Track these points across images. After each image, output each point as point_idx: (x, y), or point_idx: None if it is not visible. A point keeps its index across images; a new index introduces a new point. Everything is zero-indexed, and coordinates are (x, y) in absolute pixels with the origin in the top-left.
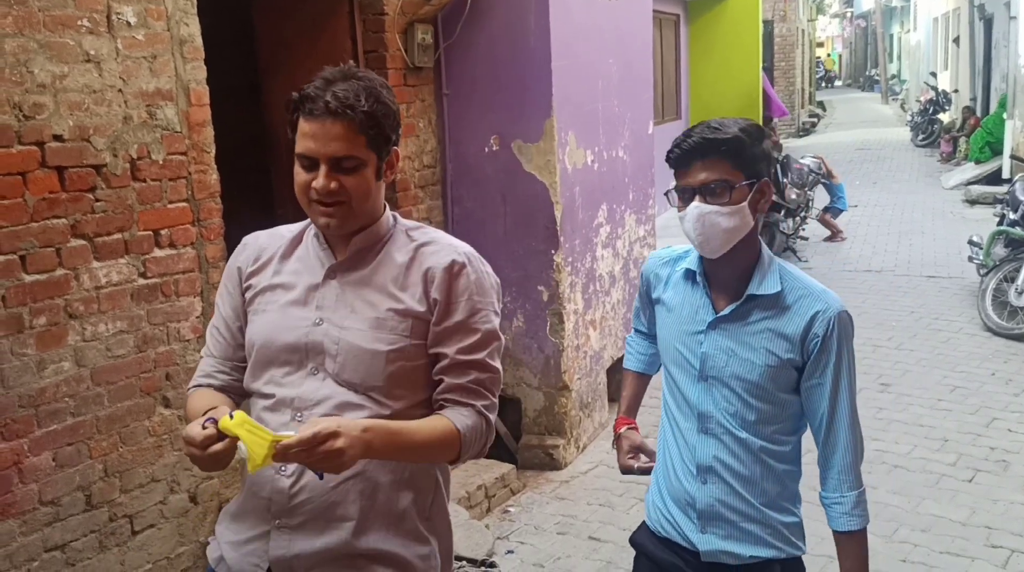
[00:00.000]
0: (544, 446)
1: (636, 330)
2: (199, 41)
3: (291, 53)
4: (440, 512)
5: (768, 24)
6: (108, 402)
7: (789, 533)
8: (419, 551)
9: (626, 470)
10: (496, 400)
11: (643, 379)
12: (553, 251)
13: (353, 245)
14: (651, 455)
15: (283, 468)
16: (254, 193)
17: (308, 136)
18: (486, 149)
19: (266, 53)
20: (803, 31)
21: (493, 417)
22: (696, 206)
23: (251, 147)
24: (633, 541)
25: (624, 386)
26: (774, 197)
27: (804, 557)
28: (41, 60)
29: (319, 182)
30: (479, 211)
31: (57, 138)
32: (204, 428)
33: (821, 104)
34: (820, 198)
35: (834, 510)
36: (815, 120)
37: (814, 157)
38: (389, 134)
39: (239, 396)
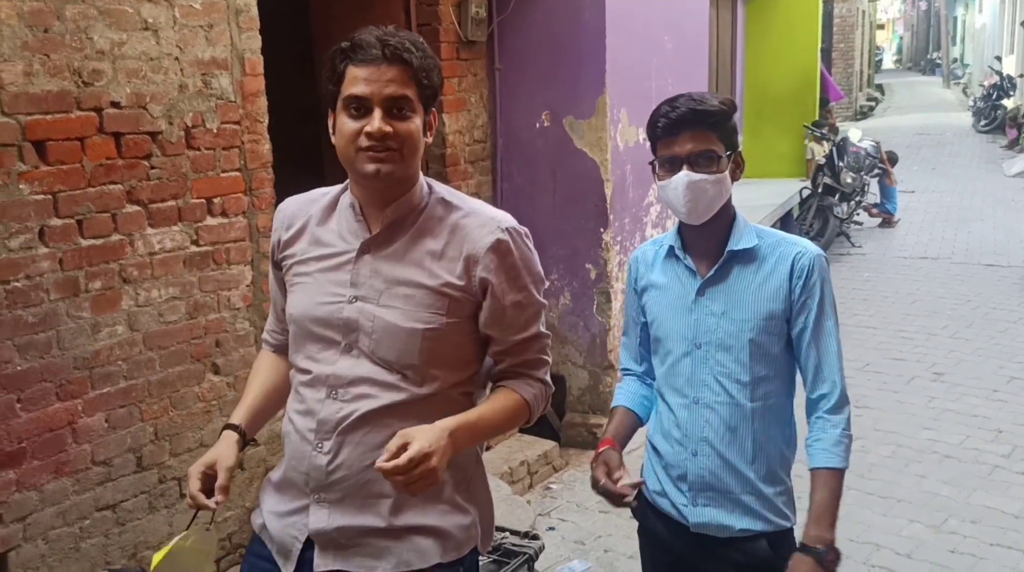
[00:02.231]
0: (588, 425)
1: (624, 371)
2: (255, 11)
3: (343, 25)
4: (480, 483)
5: (828, 4)
6: (159, 367)
7: (781, 504)
8: (459, 521)
9: (607, 493)
10: (550, 359)
11: (630, 415)
12: (602, 229)
13: (386, 217)
14: (623, 481)
15: (320, 444)
16: (305, 164)
17: (361, 80)
18: (537, 125)
19: (319, 25)
20: (864, 12)
21: (548, 380)
22: (685, 174)
23: (303, 119)
24: (635, 512)
25: (609, 421)
26: (827, 180)
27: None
28: (100, 27)
29: (374, 125)
30: (528, 187)
31: (115, 104)
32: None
33: (880, 87)
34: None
35: (816, 447)
36: (873, 104)
37: (872, 141)
38: (436, 89)
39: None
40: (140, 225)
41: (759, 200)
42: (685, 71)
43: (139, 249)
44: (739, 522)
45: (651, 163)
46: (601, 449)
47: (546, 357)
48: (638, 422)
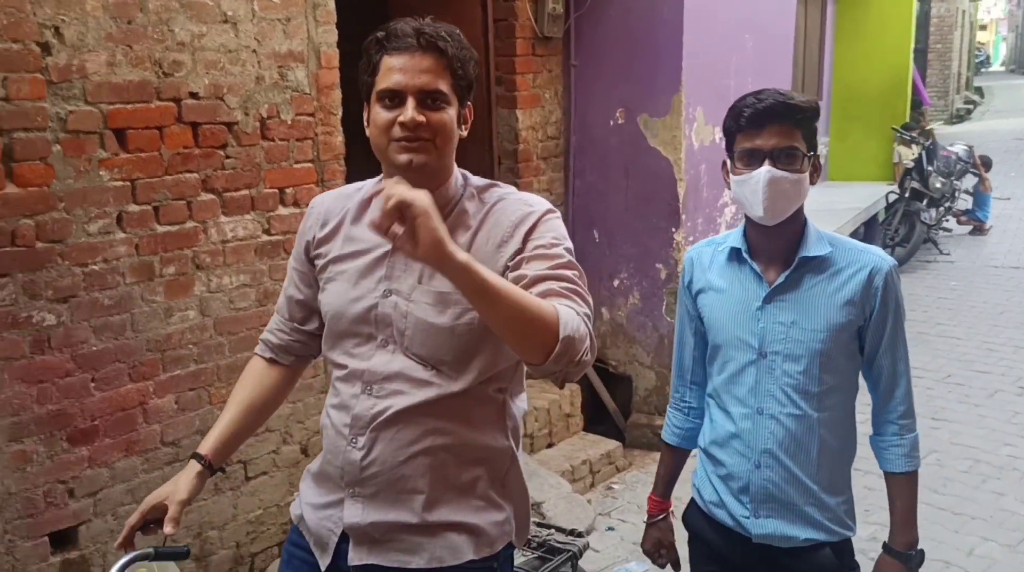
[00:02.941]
0: (653, 425)
1: (673, 401)
2: (332, 5)
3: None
4: (515, 479)
5: (924, 3)
6: (228, 352)
7: (843, 514)
8: (493, 518)
9: (649, 556)
10: (592, 313)
11: (680, 454)
12: (674, 229)
13: None
14: (676, 561)
15: (355, 439)
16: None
17: (395, 70)
18: (611, 122)
19: (397, 19)
20: (964, 12)
21: (590, 327)
22: (768, 170)
23: None
24: (685, 521)
25: (661, 462)
26: (915, 184)
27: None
28: (182, 19)
29: (407, 115)
30: (600, 184)
31: (193, 95)
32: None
33: (979, 90)
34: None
35: (891, 452)
36: (971, 107)
37: (965, 145)
38: (471, 81)
39: (295, 355)
40: (214, 213)
41: (843, 203)
42: (766, 70)
43: (212, 236)
44: (803, 532)
45: (724, 160)
46: (655, 516)
47: (583, 300)
48: (685, 456)
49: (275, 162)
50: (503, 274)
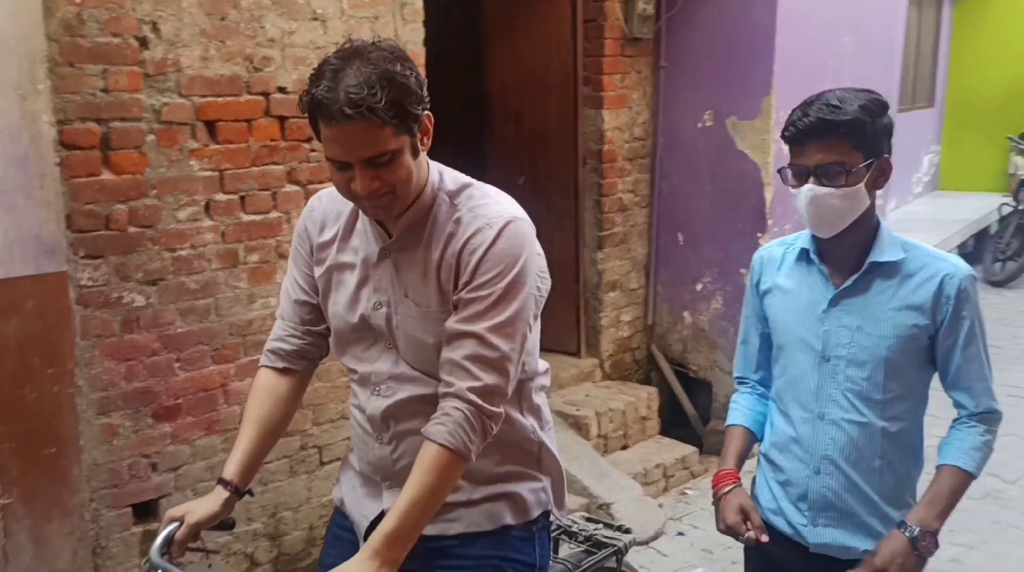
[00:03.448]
0: None
1: (738, 384)
2: (420, 3)
3: (513, 20)
4: (548, 455)
5: None
6: None
7: None
8: (531, 485)
9: (732, 531)
10: (499, 382)
11: (749, 435)
12: (759, 234)
13: (401, 224)
14: (759, 526)
15: (380, 436)
16: (468, 157)
17: (333, 142)
18: (699, 124)
19: (489, 19)
20: None
21: (492, 401)
22: (810, 188)
23: (470, 110)
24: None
25: (727, 442)
26: None
27: None
28: (272, 16)
29: (358, 184)
30: (686, 187)
31: (281, 90)
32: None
33: None
34: None
35: (953, 445)
36: None
37: None
38: (416, 111)
39: (308, 359)
40: (298, 204)
41: (953, 214)
42: (868, 74)
43: (295, 227)
44: (862, 544)
45: (779, 171)
46: (728, 487)
47: (485, 371)
48: (754, 440)
49: None
50: (455, 291)
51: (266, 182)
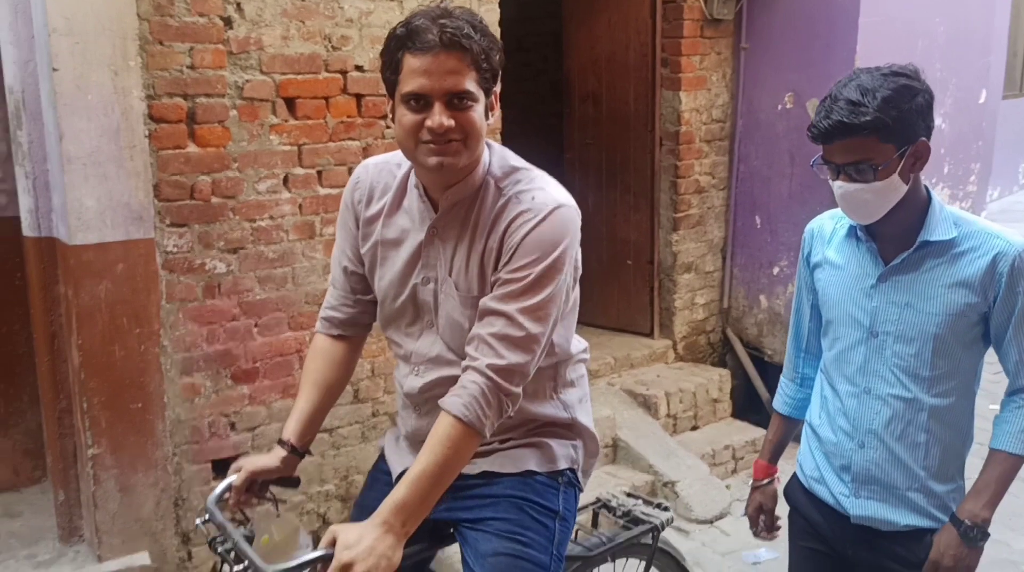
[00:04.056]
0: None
1: (786, 370)
2: None
3: (593, 1)
4: (583, 427)
5: None
6: None
7: (951, 502)
8: (562, 441)
9: (750, 521)
10: (522, 361)
11: (791, 423)
12: None
13: (447, 199)
14: (773, 525)
15: (417, 408)
16: (547, 138)
17: (419, 72)
18: (779, 106)
19: (570, 1)
20: None
21: (511, 381)
22: (840, 185)
23: (549, 92)
24: (786, 495)
25: (770, 428)
26: None
27: None
28: None
29: (434, 120)
30: (765, 170)
31: (358, 68)
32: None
33: None
34: None
35: (1000, 428)
36: None
37: None
38: (497, 71)
39: (360, 326)
40: None
41: None
42: (961, 56)
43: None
44: (904, 518)
45: (812, 165)
46: (760, 482)
47: (509, 349)
48: (795, 426)
49: None
50: (494, 273)
51: (342, 157)
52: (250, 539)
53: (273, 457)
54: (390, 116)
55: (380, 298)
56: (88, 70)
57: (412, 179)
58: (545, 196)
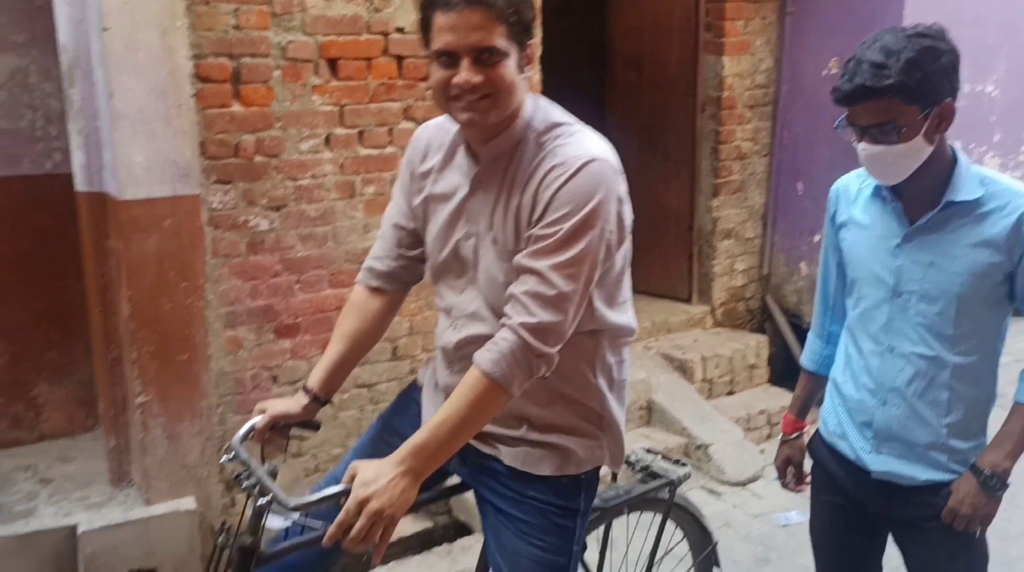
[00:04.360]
0: None
1: (814, 328)
2: None
3: None
4: (609, 416)
5: None
6: None
7: (971, 458)
8: (586, 443)
9: (778, 473)
10: (555, 320)
11: (818, 380)
12: None
13: (486, 153)
14: (801, 478)
15: (451, 365)
16: (589, 102)
17: (446, 30)
18: (823, 72)
19: None
20: None
21: (544, 340)
22: (863, 147)
23: (592, 59)
24: (810, 449)
25: (799, 384)
26: None
27: None
28: None
29: (461, 76)
30: (808, 136)
31: (399, 30)
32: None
33: None
34: None
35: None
36: None
37: None
38: (529, 23)
39: (400, 282)
40: None
41: None
42: (1015, 22)
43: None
44: (924, 473)
45: (836, 126)
46: (790, 435)
47: (541, 307)
48: (823, 382)
49: None
50: (528, 228)
51: (383, 118)
52: (273, 475)
53: (295, 402)
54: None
55: (430, 252)
56: (137, 29)
57: (460, 136)
58: (579, 150)
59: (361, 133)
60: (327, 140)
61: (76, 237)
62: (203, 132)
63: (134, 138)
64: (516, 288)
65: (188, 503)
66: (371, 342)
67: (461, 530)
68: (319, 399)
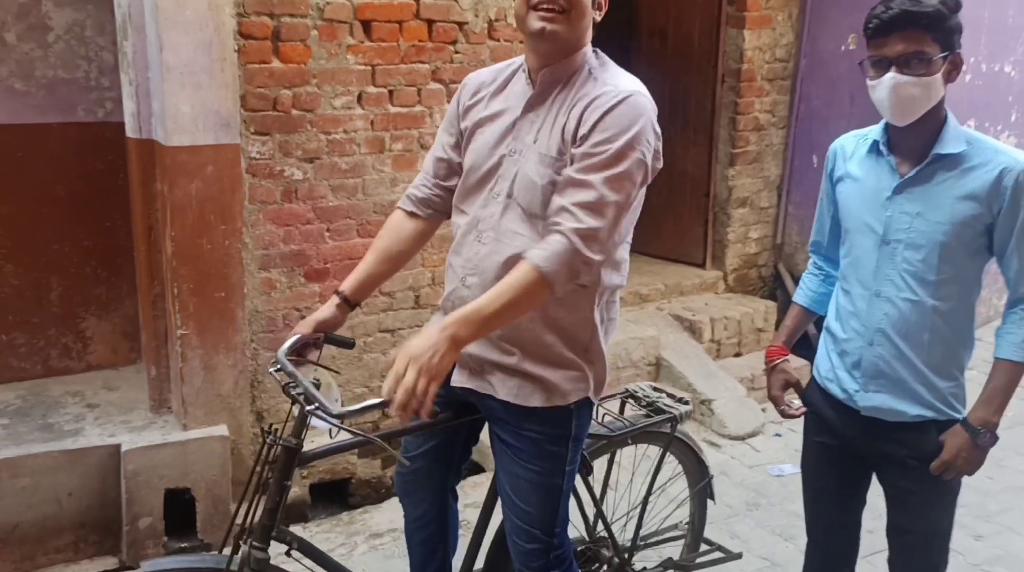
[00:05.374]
0: None
1: (809, 268)
2: None
3: None
4: (596, 348)
5: None
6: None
7: (951, 397)
8: (571, 375)
9: (775, 402)
10: (600, 226)
11: (808, 315)
12: None
13: (545, 77)
14: (802, 397)
15: (465, 279)
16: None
17: None
18: (842, 47)
19: None
20: None
21: (590, 246)
22: (892, 76)
23: (618, 27)
24: (805, 395)
25: (788, 315)
26: None
27: None
28: None
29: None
30: (824, 110)
31: None
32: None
33: None
34: None
35: (1004, 338)
36: None
37: None
38: None
39: (433, 209)
40: (439, 101)
41: None
42: None
43: (436, 121)
44: (910, 408)
45: (860, 63)
46: (776, 360)
47: (588, 214)
48: (811, 317)
49: (499, 60)
50: (574, 146)
51: (412, 79)
52: (317, 385)
53: (328, 307)
54: None
55: (469, 168)
56: None
57: (523, 66)
58: (626, 84)
59: (391, 92)
60: (359, 98)
61: (125, 181)
62: (244, 86)
63: (181, 89)
64: (566, 199)
65: (221, 430)
66: (402, 261)
67: (475, 469)
68: (348, 302)
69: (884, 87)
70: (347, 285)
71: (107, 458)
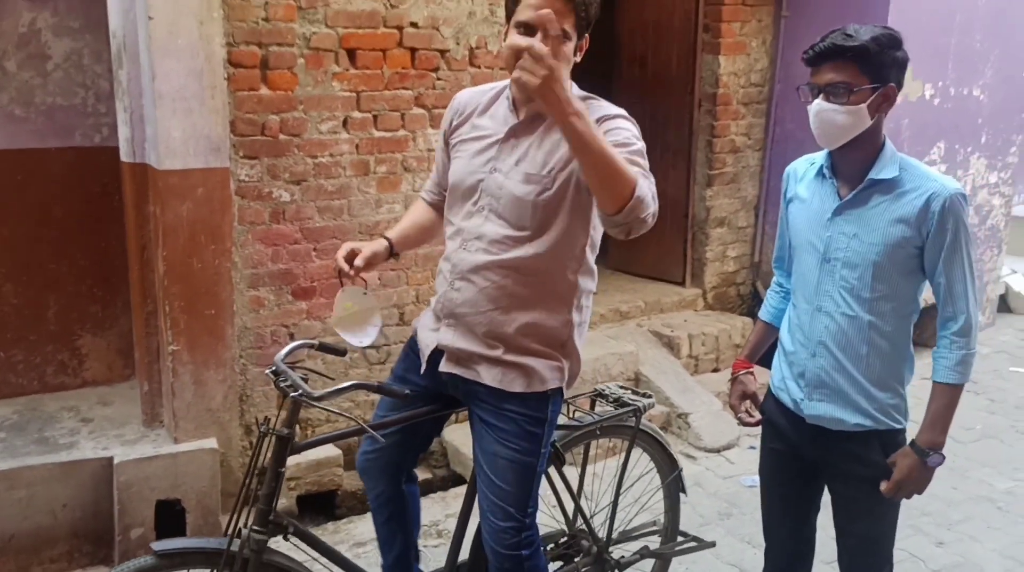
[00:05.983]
0: None
1: (774, 284)
2: None
3: None
4: (571, 346)
5: None
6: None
7: (890, 408)
8: (550, 364)
9: (733, 410)
10: (655, 194)
11: (771, 330)
12: None
13: (531, 109)
14: (759, 407)
15: (453, 282)
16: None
17: (532, 7)
18: None
19: None
20: None
21: (653, 195)
22: (818, 103)
23: (602, 56)
24: (762, 405)
25: (752, 332)
26: None
27: None
28: None
29: (531, 42)
30: (799, 133)
31: (413, 24)
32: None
33: None
34: None
35: (939, 363)
36: None
37: None
38: (591, 20)
39: (440, 210)
40: (422, 125)
41: None
42: (1003, 30)
43: (419, 145)
44: (852, 417)
45: (797, 88)
46: (738, 373)
47: (648, 179)
48: (774, 332)
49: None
50: (558, 162)
51: (396, 104)
52: (305, 379)
53: (376, 244)
54: (502, 38)
55: (453, 183)
56: (179, 18)
57: (507, 92)
58: (613, 108)
59: (376, 117)
60: (344, 123)
61: (119, 203)
62: (233, 112)
63: (173, 115)
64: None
65: (211, 443)
66: (430, 234)
67: (456, 481)
68: (392, 249)
69: (811, 112)
70: (394, 234)
71: (100, 470)
